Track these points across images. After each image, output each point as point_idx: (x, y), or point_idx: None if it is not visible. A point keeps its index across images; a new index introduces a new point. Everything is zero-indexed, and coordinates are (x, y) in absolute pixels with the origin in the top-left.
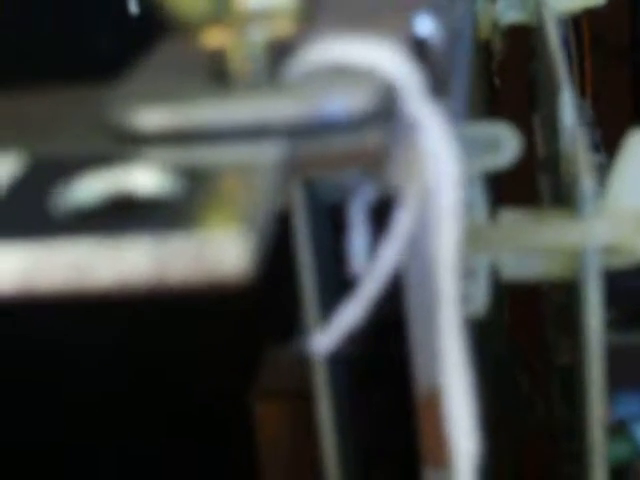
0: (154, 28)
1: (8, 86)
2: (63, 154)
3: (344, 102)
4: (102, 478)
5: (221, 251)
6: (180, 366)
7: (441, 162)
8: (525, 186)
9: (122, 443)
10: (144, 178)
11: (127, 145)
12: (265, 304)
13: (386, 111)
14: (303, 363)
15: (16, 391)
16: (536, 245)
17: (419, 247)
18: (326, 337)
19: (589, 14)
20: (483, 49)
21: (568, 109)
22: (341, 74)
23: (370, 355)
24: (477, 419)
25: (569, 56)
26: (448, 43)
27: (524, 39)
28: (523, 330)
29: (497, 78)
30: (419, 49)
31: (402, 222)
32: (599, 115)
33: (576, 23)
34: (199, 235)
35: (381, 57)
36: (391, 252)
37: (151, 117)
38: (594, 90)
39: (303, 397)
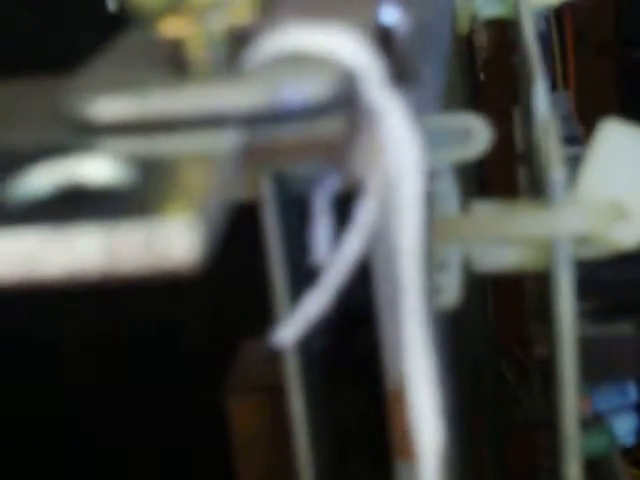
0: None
1: None
2: (19, 144)
3: (303, 90)
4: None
5: (170, 240)
6: (154, 362)
7: (403, 150)
8: (509, 178)
9: (94, 441)
10: (98, 168)
11: (85, 135)
12: (239, 296)
13: (346, 99)
14: (275, 356)
15: None
16: (508, 236)
17: (384, 237)
18: (291, 327)
19: (573, 10)
20: (465, 44)
21: (541, 101)
22: (300, 62)
23: (344, 348)
24: (442, 410)
25: (551, 51)
26: (416, 34)
27: (510, 34)
28: (509, 324)
29: (482, 73)
30: (383, 38)
31: (365, 211)
32: (585, 109)
33: (559, 19)
34: (148, 224)
35: (340, 45)
36: (354, 241)
37: (109, 107)
38: (579, 85)
39: (277, 391)
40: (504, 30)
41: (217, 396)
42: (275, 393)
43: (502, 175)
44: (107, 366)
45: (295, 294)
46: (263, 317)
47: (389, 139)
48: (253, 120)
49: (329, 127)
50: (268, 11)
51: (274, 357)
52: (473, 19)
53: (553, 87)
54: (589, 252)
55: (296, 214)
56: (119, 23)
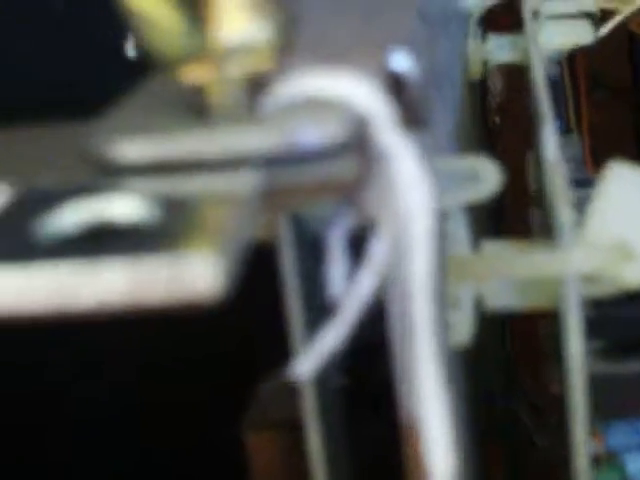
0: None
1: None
2: (48, 186)
3: (317, 134)
4: None
5: (192, 274)
6: (173, 397)
7: (412, 190)
8: (525, 220)
9: (115, 470)
10: (123, 207)
11: (109, 176)
12: (261, 332)
13: (358, 142)
14: (294, 392)
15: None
16: (518, 275)
17: (398, 275)
18: (307, 362)
19: (586, 53)
20: (479, 88)
21: (549, 144)
22: (315, 107)
23: (362, 385)
24: (458, 446)
25: (564, 95)
26: (427, 79)
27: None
28: (525, 365)
29: (497, 117)
30: (394, 84)
31: (377, 250)
32: (601, 152)
33: (572, 63)
34: (172, 258)
35: (353, 90)
36: (367, 279)
37: (132, 149)
38: (594, 128)
39: (296, 427)
40: (519, 74)
41: (236, 431)
42: (294, 428)
43: (519, 217)
44: (125, 401)
45: (312, 331)
46: (282, 353)
47: (399, 180)
48: (270, 162)
49: (342, 169)
50: (285, 57)
51: (293, 392)
52: (485, 64)
53: (567, 130)
54: (597, 291)
55: (312, 253)
56: (145, 67)
